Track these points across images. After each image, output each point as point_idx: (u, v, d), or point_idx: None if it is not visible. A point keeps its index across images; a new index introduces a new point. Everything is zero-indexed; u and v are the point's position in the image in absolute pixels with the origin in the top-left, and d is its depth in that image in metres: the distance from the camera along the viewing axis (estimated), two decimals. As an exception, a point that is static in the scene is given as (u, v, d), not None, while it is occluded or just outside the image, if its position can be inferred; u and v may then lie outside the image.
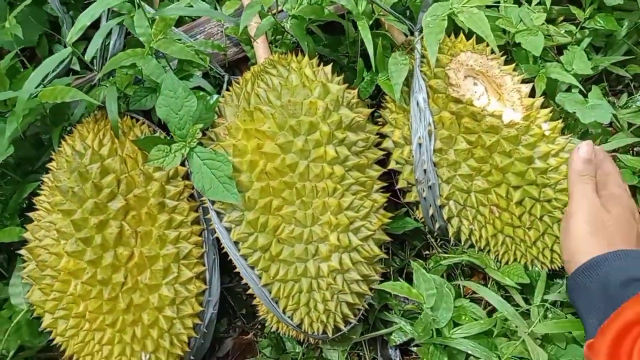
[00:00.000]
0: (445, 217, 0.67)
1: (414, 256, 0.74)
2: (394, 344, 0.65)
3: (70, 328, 0.60)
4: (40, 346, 0.71)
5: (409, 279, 0.70)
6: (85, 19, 0.60)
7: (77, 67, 0.85)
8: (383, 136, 0.72)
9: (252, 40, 0.73)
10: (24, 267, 0.64)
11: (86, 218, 0.58)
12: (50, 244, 0.60)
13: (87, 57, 0.63)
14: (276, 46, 0.78)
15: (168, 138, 0.69)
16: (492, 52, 0.71)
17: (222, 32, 0.83)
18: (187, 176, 0.70)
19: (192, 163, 0.61)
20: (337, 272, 0.59)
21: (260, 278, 0.61)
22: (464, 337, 0.58)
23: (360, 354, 0.69)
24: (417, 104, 0.67)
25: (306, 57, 0.67)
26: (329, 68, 0.66)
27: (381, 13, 0.71)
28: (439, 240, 0.74)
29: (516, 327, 0.60)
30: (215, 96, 0.66)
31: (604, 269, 0.50)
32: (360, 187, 0.62)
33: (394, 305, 0.68)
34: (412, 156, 0.66)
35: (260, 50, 0.75)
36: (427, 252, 0.74)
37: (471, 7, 0.61)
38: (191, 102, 0.61)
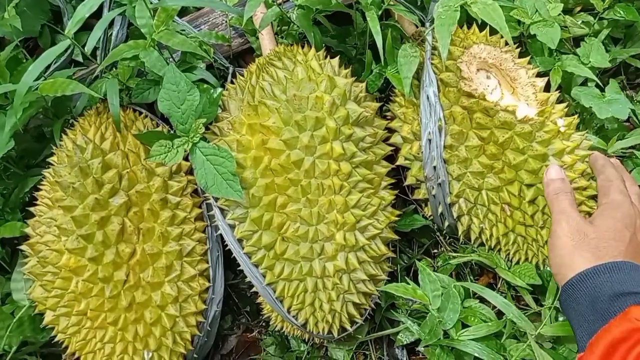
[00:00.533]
0: (455, 215, 0.65)
1: (422, 254, 0.72)
2: (401, 343, 0.64)
3: (71, 325, 0.59)
4: (43, 342, 0.70)
5: (417, 277, 0.69)
6: (84, 10, 0.58)
7: (79, 59, 0.83)
8: (391, 131, 0.70)
9: (257, 31, 0.71)
10: (25, 263, 0.63)
11: (87, 214, 0.57)
12: (51, 240, 0.59)
13: (88, 49, 0.62)
14: (282, 37, 0.76)
15: (171, 132, 0.68)
16: (507, 44, 0.69)
17: (227, 22, 0.81)
18: (190, 171, 0.68)
19: (195, 159, 0.60)
20: (343, 271, 0.58)
21: (264, 276, 0.60)
22: (472, 339, 0.56)
23: (366, 353, 0.67)
24: (428, 98, 0.64)
25: (312, 49, 0.65)
26: (336, 60, 0.64)
27: (391, 3, 0.69)
28: (447, 238, 0.72)
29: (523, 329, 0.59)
30: (219, 89, 0.64)
31: (592, 283, 0.50)
32: (368, 184, 0.60)
33: (401, 305, 0.67)
34: (422, 152, 0.64)
35: (266, 41, 0.72)
36: (435, 250, 0.72)
37: (485, -3, 0.58)
38: (194, 95, 0.60)
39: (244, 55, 0.83)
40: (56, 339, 0.63)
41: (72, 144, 0.62)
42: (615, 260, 0.51)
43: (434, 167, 0.64)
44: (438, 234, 0.72)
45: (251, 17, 0.74)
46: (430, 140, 0.63)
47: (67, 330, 0.60)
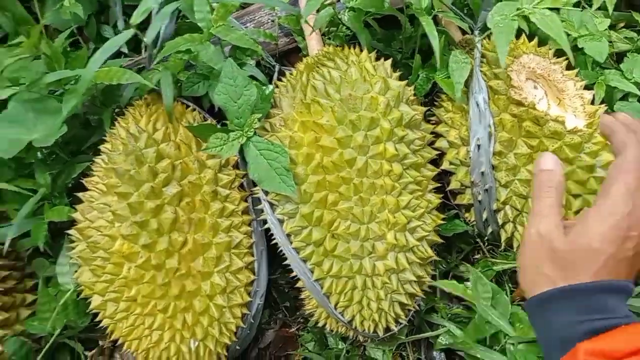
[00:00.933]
0: (500, 222, 0.66)
1: (461, 260, 0.73)
2: (441, 346, 0.64)
3: (120, 311, 0.60)
4: (83, 327, 0.71)
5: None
6: (150, 1, 0.59)
7: (124, 49, 0.84)
8: (435, 135, 0.70)
9: (313, 30, 0.72)
10: (73, 247, 0.64)
11: (142, 202, 0.58)
12: (103, 225, 0.60)
13: (148, 40, 0.63)
14: (329, 38, 0.77)
15: (217, 126, 0.69)
16: (555, 55, 0.70)
17: (272, 21, 0.82)
18: (236, 165, 0.69)
19: (249, 153, 0.60)
20: (393, 271, 0.58)
21: (312, 272, 0.61)
22: (520, 343, 0.57)
23: (403, 354, 0.68)
24: (477, 104, 0.65)
25: (365, 51, 0.66)
26: (388, 63, 0.65)
27: (441, 9, 0.70)
28: (486, 244, 0.73)
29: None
30: (271, 86, 0.65)
31: (548, 307, 0.46)
32: (417, 186, 0.61)
33: (441, 308, 0.67)
34: (469, 157, 0.65)
35: (314, 41, 0.73)
36: (475, 257, 0.73)
37: (543, 8, 0.59)
38: (250, 91, 0.61)
39: (288, 55, 0.84)
40: (101, 324, 0.63)
41: (125, 133, 0.63)
42: (577, 284, 0.44)
43: (482, 173, 0.64)
44: (479, 240, 0.73)
45: (300, 16, 0.76)
46: (479, 146, 0.64)
47: (115, 315, 0.60)
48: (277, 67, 0.77)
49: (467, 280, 0.67)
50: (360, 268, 0.58)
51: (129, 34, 0.61)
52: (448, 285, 0.58)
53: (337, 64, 0.64)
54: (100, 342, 0.73)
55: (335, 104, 0.60)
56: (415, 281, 0.60)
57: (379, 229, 0.57)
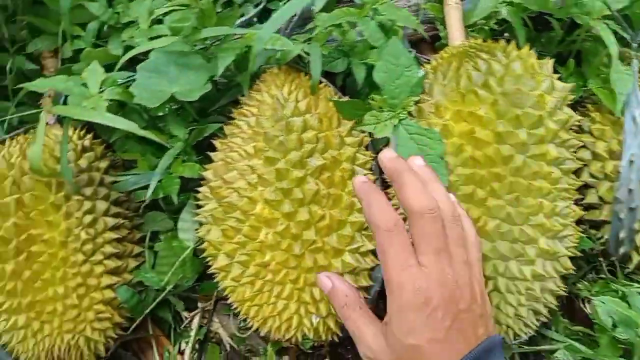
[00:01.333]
0: (638, 243, 0.63)
1: (580, 278, 0.70)
2: (557, 361, 0.62)
3: (248, 275, 0.59)
4: (187, 286, 0.71)
5: (570, 301, 0.68)
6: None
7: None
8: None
9: (456, 19, 0.70)
10: (200, 206, 0.64)
11: (288, 169, 0.57)
12: (243, 187, 0.59)
13: (317, 9, 0.62)
14: (472, 31, 0.75)
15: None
16: None
17: (408, 6, 0.81)
18: (366, 147, 0.68)
19: (399, 135, 0.59)
20: (540, 278, 0.56)
21: (447, 266, 0.59)
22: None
23: (513, 364, 0.66)
24: (634, 119, 0.62)
25: (527, 47, 0.63)
26: (551, 63, 0.62)
27: (599, 17, 0.67)
28: (607, 265, 0.70)
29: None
30: (422, 71, 0.64)
31: None
32: (568, 194, 0.59)
33: (558, 323, 0.65)
34: (618, 172, 0.62)
35: (458, 32, 0.71)
36: (593, 276, 0.70)
37: None
38: (412, 72, 0.59)
39: (419, 43, 0.82)
40: (223, 286, 0.62)
41: (272, 99, 0.63)
42: None
43: (630, 190, 0.61)
44: (602, 259, 0.69)
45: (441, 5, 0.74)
46: (632, 162, 0.61)
47: (241, 278, 0.60)
48: (413, 53, 0.75)
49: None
50: (505, 270, 0.56)
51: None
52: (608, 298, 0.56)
53: (498, 57, 0.61)
54: (200, 304, 0.73)
55: (497, 97, 0.57)
56: (554, 291, 0.58)
57: (533, 233, 0.55)
